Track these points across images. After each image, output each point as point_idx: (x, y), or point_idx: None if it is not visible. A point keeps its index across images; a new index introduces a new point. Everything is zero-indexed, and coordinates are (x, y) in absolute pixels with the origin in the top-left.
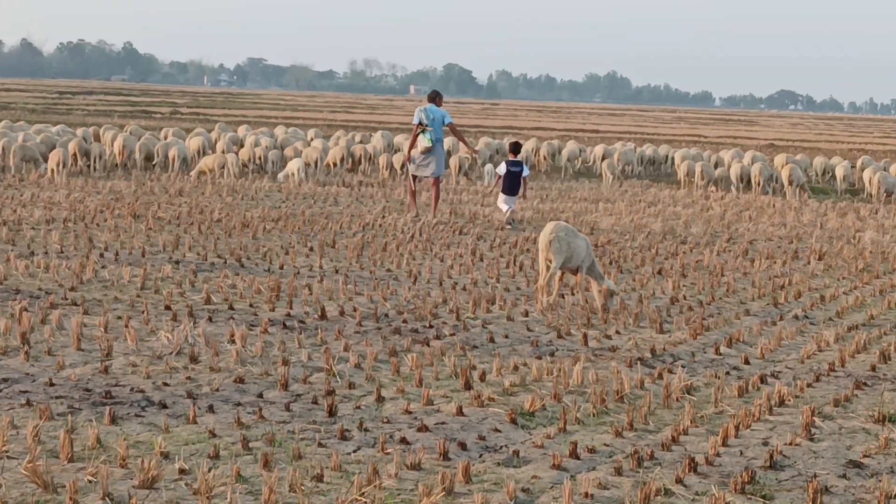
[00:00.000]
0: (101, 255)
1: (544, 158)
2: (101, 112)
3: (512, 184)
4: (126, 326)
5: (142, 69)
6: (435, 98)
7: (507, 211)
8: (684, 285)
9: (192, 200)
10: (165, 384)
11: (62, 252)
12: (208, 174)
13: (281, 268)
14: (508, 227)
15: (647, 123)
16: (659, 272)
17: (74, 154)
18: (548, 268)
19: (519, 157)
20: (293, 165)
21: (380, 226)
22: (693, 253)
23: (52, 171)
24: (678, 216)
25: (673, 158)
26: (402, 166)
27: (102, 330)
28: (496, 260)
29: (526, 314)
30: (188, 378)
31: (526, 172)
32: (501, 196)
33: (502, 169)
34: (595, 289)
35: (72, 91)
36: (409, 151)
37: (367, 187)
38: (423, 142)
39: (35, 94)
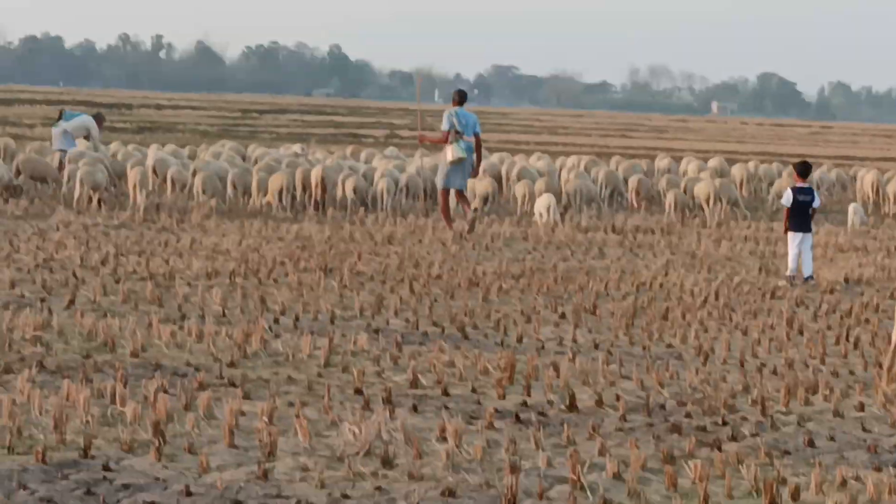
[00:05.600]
0: (276, 321)
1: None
2: (295, 135)
3: (802, 217)
4: (298, 416)
5: (353, 81)
6: (463, 100)
7: (795, 258)
8: None
9: (405, 250)
10: (345, 496)
11: (224, 316)
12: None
13: (519, 340)
14: (810, 280)
15: None
16: None
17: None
18: None
19: (808, 183)
20: (541, 203)
21: (660, 286)
22: None
23: (271, 202)
24: None
25: None
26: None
27: (266, 420)
28: (821, 333)
29: (861, 408)
30: (378, 489)
31: (817, 202)
32: (790, 235)
33: (788, 198)
34: None
35: (258, 109)
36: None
37: (646, 234)
38: (457, 152)
39: (211, 113)
